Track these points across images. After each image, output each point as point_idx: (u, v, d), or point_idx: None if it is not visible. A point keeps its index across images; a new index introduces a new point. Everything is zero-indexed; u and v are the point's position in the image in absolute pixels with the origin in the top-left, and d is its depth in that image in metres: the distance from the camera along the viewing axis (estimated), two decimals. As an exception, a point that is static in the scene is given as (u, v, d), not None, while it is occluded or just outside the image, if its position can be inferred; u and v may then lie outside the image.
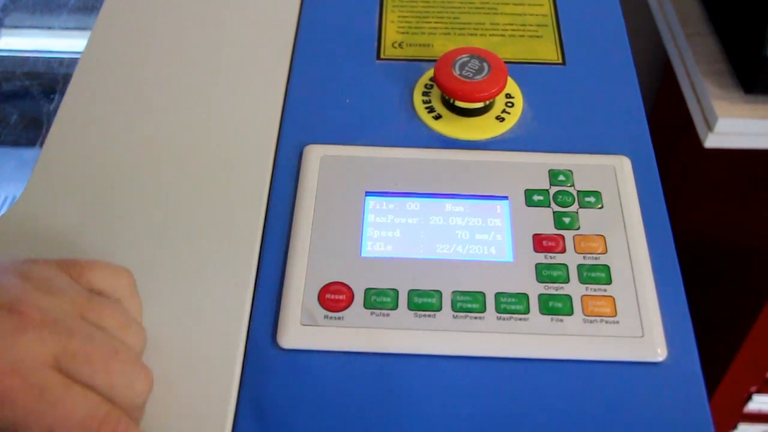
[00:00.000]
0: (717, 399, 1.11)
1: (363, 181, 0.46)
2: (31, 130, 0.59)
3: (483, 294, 0.42)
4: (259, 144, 0.48)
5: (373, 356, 0.40)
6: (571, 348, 0.40)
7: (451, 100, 0.49)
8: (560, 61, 0.54)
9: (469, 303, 0.41)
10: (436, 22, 0.56)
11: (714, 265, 1.11)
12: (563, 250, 0.43)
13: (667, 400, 0.39)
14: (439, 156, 0.48)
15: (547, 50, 0.55)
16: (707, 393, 0.39)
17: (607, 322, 0.41)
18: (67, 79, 0.52)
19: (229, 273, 0.42)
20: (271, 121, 0.50)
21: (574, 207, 0.45)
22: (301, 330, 0.40)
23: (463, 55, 0.49)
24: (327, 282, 0.42)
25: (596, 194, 0.46)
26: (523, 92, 0.51)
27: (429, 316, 0.41)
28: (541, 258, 0.43)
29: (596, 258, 0.43)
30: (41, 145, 0.49)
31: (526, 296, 0.41)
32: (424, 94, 0.51)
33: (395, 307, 0.41)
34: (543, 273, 0.42)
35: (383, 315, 0.41)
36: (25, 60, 0.66)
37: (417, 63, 0.53)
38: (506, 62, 0.49)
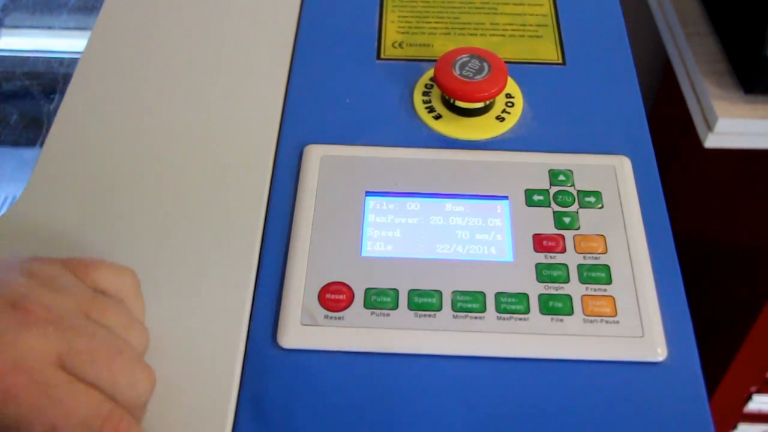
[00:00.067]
0: (717, 399, 1.11)
1: (363, 181, 0.46)
2: (31, 130, 0.59)
3: (483, 294, 0.42)
4: (259, 144, 0.48)
5: (373, 356, 0.40)
6: (571, 348, 0.40)
7: (452, 100, 0.49)
8: (560, 61, 0.54)
9: (469, 303, 0.41)
10: (436, 22, 0.56)
11: (714, 265, 1.11)
12: (563, 250, 0.43)
13: (667, 400, 0.39)
14: (439, 156, 0.48)
15: (547, 50, 0.55)
16: (707, 393, 0.39)
17: (607, 322, 0.41)
18: (67, 79, 0.52)
19: (229, 273, 0.42)
20: (271, 121, 0.50)
21: (575, 207, 0.45)
22: (301, 330, 0.40)
23: (464, 55, 0.49)
24: (327, 282, 0.42)
25: (596, 194, 0.46)
26: (523, 92, 0.51)
27: (429, 316, 0.41)
28: (541, 258, 0.43)
29: (596, 258, 0.43)
30: (41, 145, 0.49)
31: (526, 296, 0.42)
32: (424, 94, 0.51)
33: (395, 307, 0.41)
34: (543, 273, 0.42)
35: (383, 315, 0.41)
36: (25, 60, 0.66)
37: (417, 63, 0.53)
38: (506, 62, 0.49)
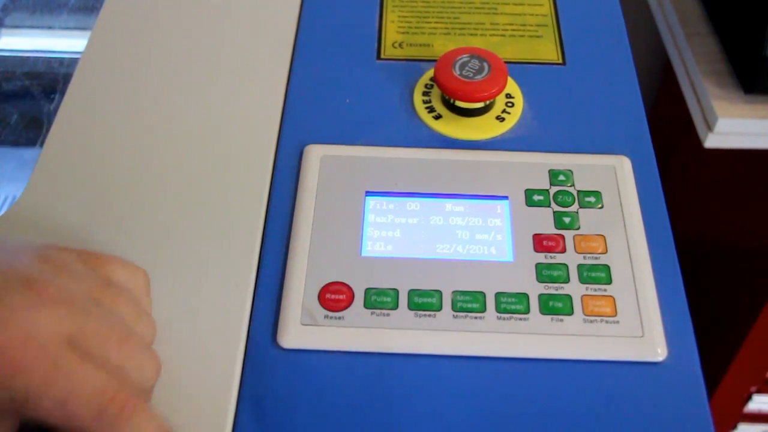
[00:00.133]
0: (717, 399, 1.11)
1: (363, 181, 0.46)
2: (31, 130, 0.59)
3: (483, 294, 0.42)
4: (259, 144, 0.48)
5: (373, 356, 0.40)
6: (571, 348, 0.40)
7: (452, 100, 0.49)
8: (560, 61, 0.54)
9: (469, 303, 0.41)
10: (436, 22, 0.56)
11: (714, 265, 1.11)
12: (563, 250, 0.43)
13: (667, 400, 0.39)
14: (440, 156, 0.48)
15: (547, 50, 0.55)
16: (707, 393, 0.39)
17: (607, 322, 0.41)
18: (67, 79, 0.52)
19: (229, 273, 0.42)
20: (271, 121, 0.50)
21: (575, 207, 0.45)
22: (301, 330, 0.40)
23: (464, 55, 0.49)
24: (327, 282, 0.42)
25: (596, 194, 0.46)
26: (523, 92, 0.51)
27: (429, 315, 0.41)
28: (541, 258, 0.43)
29: (596, 258, 0.43)
30: (41, 145, 0.49)
31: (526, 296, 0.42)
32: (425, 94, 0.51)
33: (395, 306, 0.41)
34: (543, 273, 0.42)
35: (383, 315, 0.41)
36: (25, 60, 0.66)
37: (417, 63, 0.53)
38: (506, 62, 0.49)
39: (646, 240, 0.44)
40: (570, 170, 0.47)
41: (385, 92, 0.52)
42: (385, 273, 0.42)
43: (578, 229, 0.44)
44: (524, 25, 0.56)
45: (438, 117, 0.50)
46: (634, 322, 0.41)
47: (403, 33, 0.55)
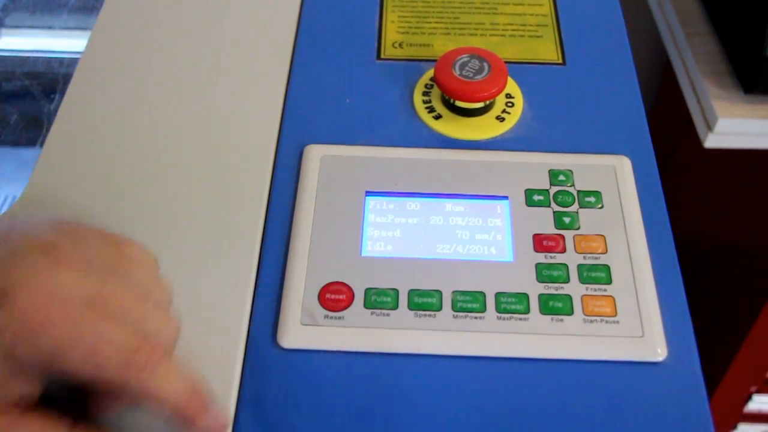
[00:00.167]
0: (717, 399, 1.11)
1: (363, 181, 0.46)
2: (31, 130, 0.59)
3: (483, 294, 0.42)
4: (259, 144, 0.48)
5: (373, 356, 0.40)
6: (571, 348, 0.40)
7: (452, 100, 0.49)
8: (560, 61, 0.54)
9: (469, 303, 0.41)
10: (436, 22, 0.56)
11: (714, 265, 1.11)
12: (563, 250, 0.43)
13: (667, 400, 0.39)
14: (439, 156, 0.48)
15: (547, 50, 0.55)
16: (707, 393, 0.39)
17: (607, 322, 0.41)
18: (67, 79, 0.52)
19: (229, 273, 0.42)
20: (271, 121, 0.50)
21: (575, 207, 0.45)
22: (302, 330, 0.40)
23: (464, 55, 0.49)
24: (327, 282, 0.42)
25: (596, 194, 0.46)
26: (523, 92, 0.51)
27: (429, 315, 0.41)
28: (541, 258, 0.43)
29: (596, 258, 0.43)
30: (41, 145, 0.49)
31: (526, 296, 0.42)
32: (425, 94, 0.51)
33: (395, 306, 0.41)
34: (543, 273, 0.42)
35: (383, 315, 0.41)
36: (25, 60, 0.66)
37: (417, 63, 0.53)
38: (506, 62, 0.49)
39: (646, 240, 0.44)
40: (570, 170, 0.47)
41: (385, 92, 0.52)
42: (385, 273, 0.42)
43: (578, 229, 0.44)
44: (524, 25, 0.56)
45: (438, 117, 0.50)
46: (634, 322, 0.41)
47: (403, 33, 0.55)
